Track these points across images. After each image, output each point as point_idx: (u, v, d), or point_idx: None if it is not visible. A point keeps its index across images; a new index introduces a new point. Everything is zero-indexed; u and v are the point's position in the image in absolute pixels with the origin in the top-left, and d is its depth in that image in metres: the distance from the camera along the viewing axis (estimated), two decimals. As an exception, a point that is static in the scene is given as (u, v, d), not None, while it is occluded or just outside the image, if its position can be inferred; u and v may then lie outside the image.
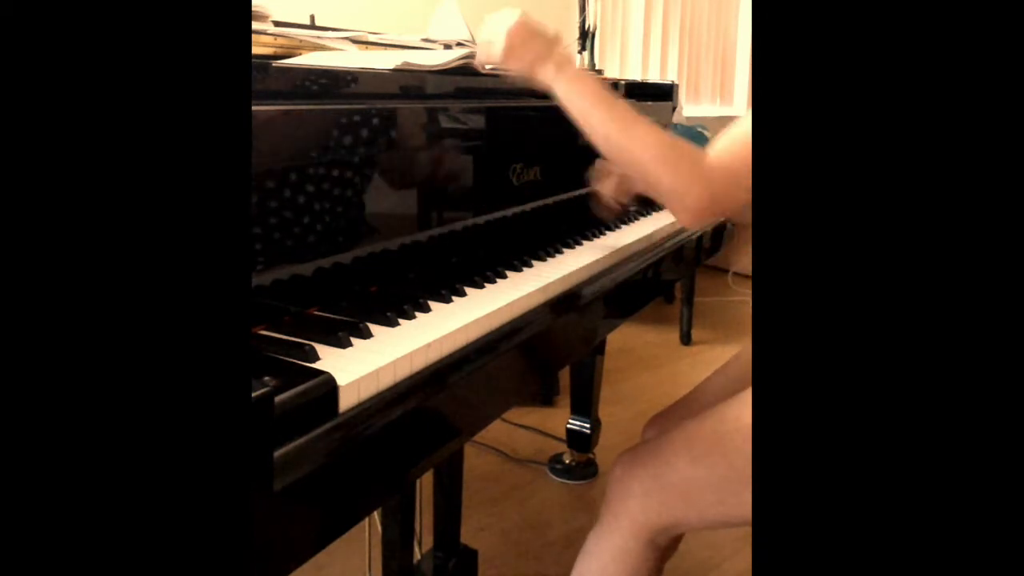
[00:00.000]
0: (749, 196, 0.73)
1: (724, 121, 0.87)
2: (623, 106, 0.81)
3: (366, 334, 0.66)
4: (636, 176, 0.85)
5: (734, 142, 0.78)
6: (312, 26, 1.11)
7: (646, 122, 0.80)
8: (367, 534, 1.20)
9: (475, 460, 1.84)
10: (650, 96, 1.49)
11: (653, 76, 3.49)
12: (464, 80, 0.94)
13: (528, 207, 1.07)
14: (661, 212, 1.33)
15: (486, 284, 0.84)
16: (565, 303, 0.88)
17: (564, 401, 2.00)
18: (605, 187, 1.09)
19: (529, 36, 0.81)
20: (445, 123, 0.87)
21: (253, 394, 0.50)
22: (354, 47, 0.99)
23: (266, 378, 0.53)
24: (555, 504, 1.70)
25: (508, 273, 0.88)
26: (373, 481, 0.63)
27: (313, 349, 0.61)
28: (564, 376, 2.02)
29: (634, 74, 3.36)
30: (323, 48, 0.91)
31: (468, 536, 1.27)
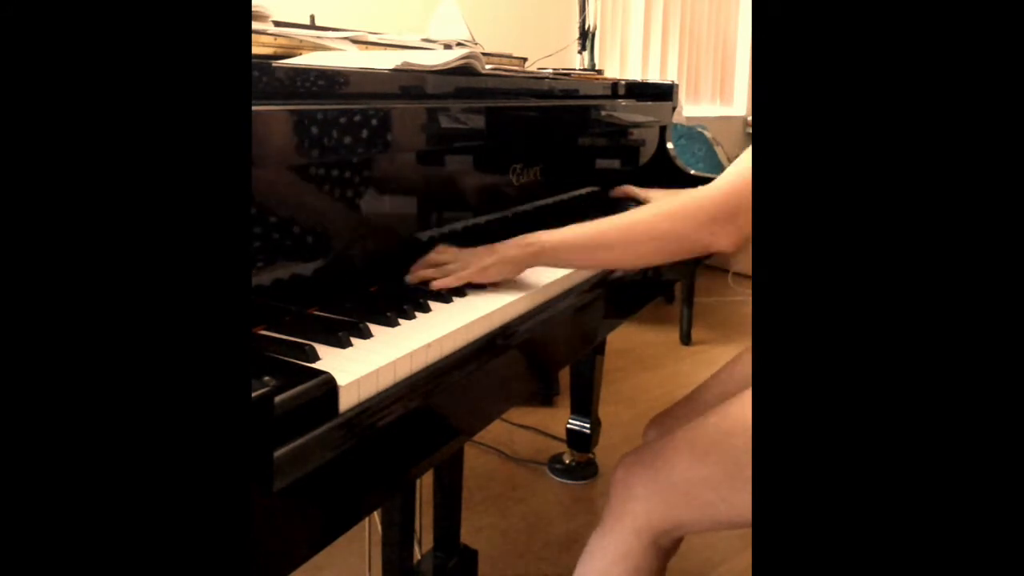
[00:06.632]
0: None
1: (724, 121, 0.88)
2: (599, 225, 0.82)
3: (366, 334, 0.66)
4: (666, 255, 0.86)
5: (739, 170, 0.79)
6: (312, 26, 1.11)
7: (629, 217, 0.80)
8: (367, 534, 1.20)
9: (475, 460, 1.84)
10: (650, 96, 1.49)
11: (653, 76, 3.49)
12: (464, 80, 0.94)
13: (528, 207, 1.07)
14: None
15: (486, 284, 0.84)
16: (565, 302, 0.88)
17: (564, 401, 2.00)
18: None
19: (483, 250, 0.84)
20: (445, 123, 0.87)
21: (253, 394, 0.50)
22: (354, 47, 0.99)
23: (266, 378, 0.53)
24: (555, 504, 1.70)
25: (508, 273, 0.88)
26: (373, 481, 0.63)
27: (313, 349, 0.61)
28: (564, 376, 2.02)
29: (634, 74, 3.36)
30: (323, 48, 0.91)
31: (468, 536, 1.27)
